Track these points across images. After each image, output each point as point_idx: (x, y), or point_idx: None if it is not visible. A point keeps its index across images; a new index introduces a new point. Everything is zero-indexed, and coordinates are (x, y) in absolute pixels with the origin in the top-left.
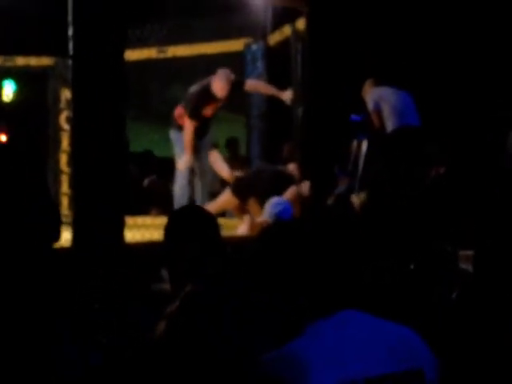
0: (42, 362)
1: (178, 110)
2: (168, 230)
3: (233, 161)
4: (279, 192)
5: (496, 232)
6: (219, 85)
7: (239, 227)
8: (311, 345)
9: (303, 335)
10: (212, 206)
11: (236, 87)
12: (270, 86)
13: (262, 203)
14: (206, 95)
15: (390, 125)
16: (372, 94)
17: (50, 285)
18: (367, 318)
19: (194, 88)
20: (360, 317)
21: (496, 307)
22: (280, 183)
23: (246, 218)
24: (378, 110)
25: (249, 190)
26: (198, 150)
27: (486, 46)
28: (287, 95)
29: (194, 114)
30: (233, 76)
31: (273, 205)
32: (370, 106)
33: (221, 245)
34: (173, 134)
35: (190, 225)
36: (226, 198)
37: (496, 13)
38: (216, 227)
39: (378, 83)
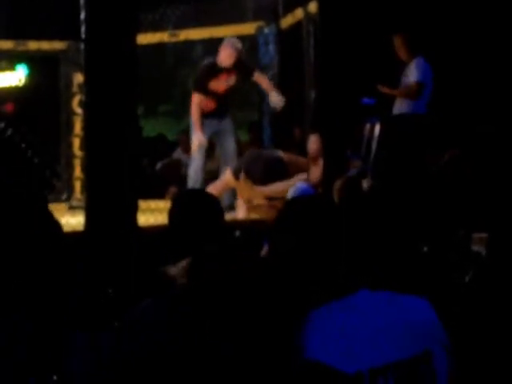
0: (52, 350)
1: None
2: (171, 214)
3: (254, 145)
4: (274, 178)
5: (510, 214)
6: (225, 52)
7: (237, 212)
8: (311, 334)
9: (305, 322)
10: (214, 187)
11: (246, 73)
12: (270, 84)
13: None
14: (212, 67)
15: (421, 104)
16: (423, 64)
17: (61, 269)
18: (377, 299)
19: (202, 62)
20: (370, 298)
21: (510, 291)
22: (274, 169)
23: (241, 202)
24: (425, 83)
25: (248, 173)
26: (218, 132)
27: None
28: (275, 100)
29: (198, 85)
30: (241, 45)
31: (298, 190)
32: (419, 76)
33: (224, 228)
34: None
35: (193, 209)
36: (226, 179)
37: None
38: (219, 211)
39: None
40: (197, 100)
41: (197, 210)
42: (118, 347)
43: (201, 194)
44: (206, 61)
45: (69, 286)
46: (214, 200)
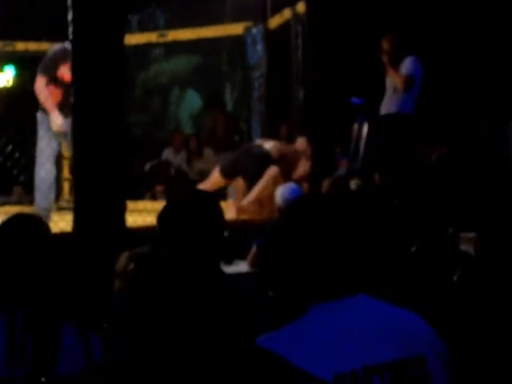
0: (48, 345)
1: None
2: (167, 214)
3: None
4: (262, 173)
5: (498, 214)
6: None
7: (226, 211)
8: (310, 328)
9: (303, 318)
10: (204, 186)
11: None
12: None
13: (248, 183)
14: (67, 52)
15: (409, 103)
16: (416, 62)
17: (49, 271)
18: (372, 304)
19: (56, 46)
20: (365, 302)
21: (498, 290)
22: (265, 164)
23: (231, 202)
24: (415, 78)
25: (236, 170)
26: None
27: (489, 39)
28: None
29: (45, 69)
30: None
31: (287, 190)
32: (411, 70)
33: (222, 229)
34: (39, 115)
35: (193, 210)
36: (214, 177)
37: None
38: (220, 212)
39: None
40: (41, 84)
41: (195, 211)
42: (110, 344)
43: (200, 193)
44: (61, 45)
45: (64, 282)
46: (214, 199)
